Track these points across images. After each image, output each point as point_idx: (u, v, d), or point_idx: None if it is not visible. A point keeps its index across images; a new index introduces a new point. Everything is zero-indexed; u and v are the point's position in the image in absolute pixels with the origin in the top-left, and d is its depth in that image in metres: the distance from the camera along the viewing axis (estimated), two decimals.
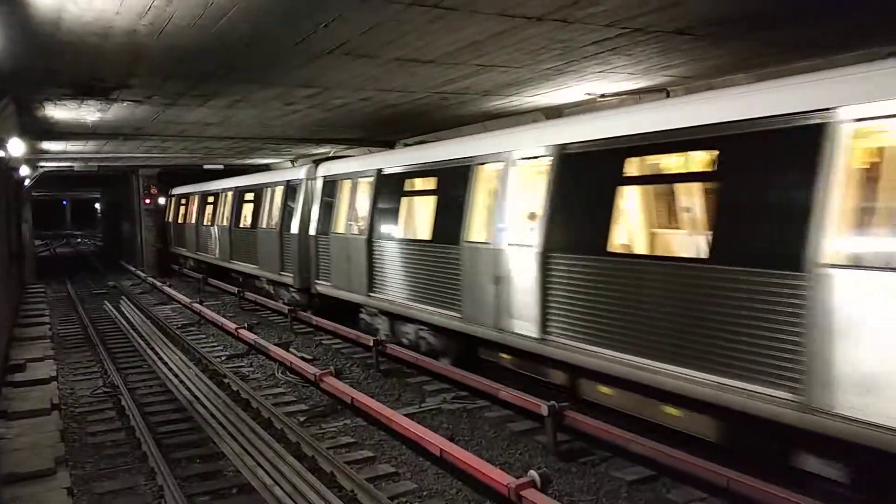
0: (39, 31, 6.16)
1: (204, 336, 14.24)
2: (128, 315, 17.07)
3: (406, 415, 7.83)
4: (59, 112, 11.10)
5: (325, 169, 13.79)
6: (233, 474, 6.91)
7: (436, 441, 6.75)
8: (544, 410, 7.09)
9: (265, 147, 18.04)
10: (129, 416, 8.69)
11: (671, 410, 6.46)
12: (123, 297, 20.46)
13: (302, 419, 8.49)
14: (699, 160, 6.43)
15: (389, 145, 16.02)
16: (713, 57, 7.76)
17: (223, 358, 12.05)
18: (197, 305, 16.81)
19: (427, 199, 10.32)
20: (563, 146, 7.42)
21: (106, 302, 19.38)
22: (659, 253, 7.17)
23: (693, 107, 6.21)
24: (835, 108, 4.86)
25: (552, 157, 7.52)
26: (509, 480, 5.63)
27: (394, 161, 11.25)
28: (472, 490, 6.26)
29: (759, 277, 5.24)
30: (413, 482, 6.56)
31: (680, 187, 7.36)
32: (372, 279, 11.30)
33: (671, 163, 6.85)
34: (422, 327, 10.30)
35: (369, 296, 11.42)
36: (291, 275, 14.77)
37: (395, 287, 10.65)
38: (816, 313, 4.83)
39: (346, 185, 12.72)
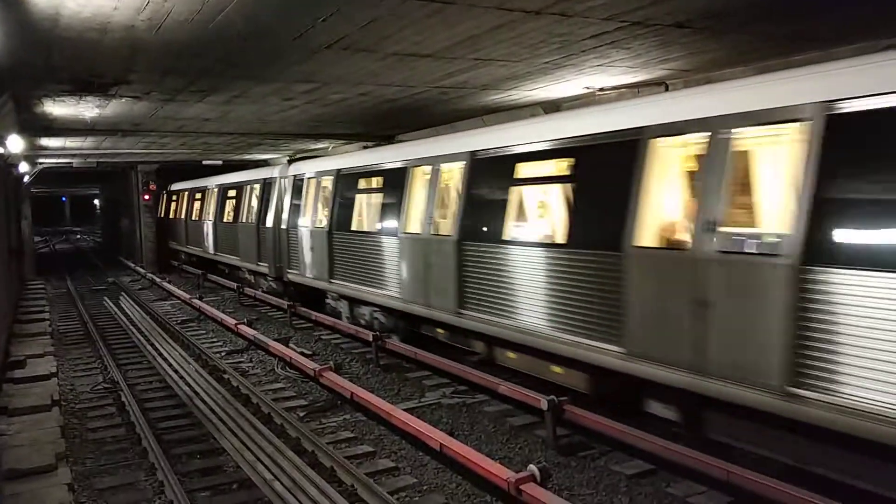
0: (38, 26, 6.14)
1: (203, 332, 14.26)
2: (127, 311, 17.09)
3: (406, 409, 7.85)
4: (57, 108, 11.08)
5: (295, 168, 15.21)
6: (233, 469, 6.93)
7: (435, 436, 6.77)
8: (544, 405, 7.11)
9: (264, 142, 18.02)
10: (130, 412, 8.71)
11: (556, 369, 7.82)
12: (123, 293, 20.47)
13: (302, 414, 8.51)
14: (562, 166, 7.73)
15: (389, 140, 16.00)
16: (712, 50, 7.75)
17: (223, 353, 12.06)
18: (196, 301, 16.83)
19: (375, 196, 11.65)
20: (473, 153, 8.95)
21: (105, 298, 19.39)
22: (537, 240, 8.26)
23: (559, 123, 7.90)
24: (643, 126, 6.35)
25: (465, 162, 9.03)
26: (509, 475, 5.65)
27: (350, 162, 12.61)
28: (472, 484, 6.28)
29: (596, 257, 6.79)
30: (413, 477, 6.58)
31: (551, 187, 8.62)
32: (333, 267, 12.65)
33: (545, 168, 8.12)
34: (375, 309, 11.65)
35: (331, 282, 12.81)
36: (267, 265, 16.23)
37: (351, 274, 12.02)
38: (634, 283, 6.33)
39: (312, 183, 14.10)
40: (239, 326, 13.29)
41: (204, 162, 23.64)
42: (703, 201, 5.75)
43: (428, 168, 9.91)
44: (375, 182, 11.63)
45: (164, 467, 6.75)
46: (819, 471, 5.20)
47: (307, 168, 14.59)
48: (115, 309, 17.53)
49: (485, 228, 8.58)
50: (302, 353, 11.13)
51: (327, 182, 13.31)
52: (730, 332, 5.45)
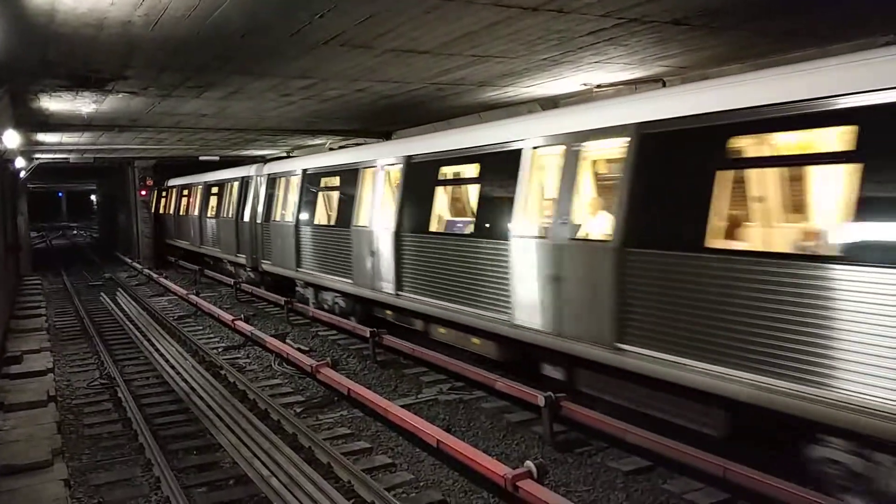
0: (34, 22, 6.12)
1: (200, 327, 14.25)
2: (124, 306, 17.07)
3: (403, 406, 7.86)
4: (54, 104, 11.05)
5: (268, 168, 16.69)
6: (229, 465, 6.94)
7: (432, 432, 6.78)
8: (541, 401, 7.11)
9: (261, 139, 18.00)
10: (126, 408, 8.71)
11: (475, 340, 9.02)
12: (120, 288, 20.44)
13: (299, 410, 8.51)
14: (472, 170, 9.10)
15: (386, 136, 15.98)
16: (709, 47, 7.76)
17: (220, 349, 12.06)
18: (193, 297, 16.81)
19: (333, 193, 13.18)
20: (409, 157, 10.24)
21: (102, 293, 19.36)
22: (454, 232, 9.67)
23: (471, 134, 9.24)
24: (524, 139, 7.86)
25: (402, 164, 10.30)
26: (506, 471, 5.66)
27: (314, 163, 14.06)
28: (469, 481, 6.30)
29: (492, 245, 8.21)
30: (410, 473, 6.59)
31: (466, 187, 10.13)
32: (299, 258, 14.11)
33: (462, 170, 9.63)
34: (336, 294, 12.99)
35: (297, 271, 14.27)
36: (244, 256, 17.81)
37: (314, 263, 13.48)
38: (517, 265, 7.80)
39: (282, 182, 15.61)
40: (236, 322, 13.28)
41: (201, 158, 23.60)
42: (560, 200, 7.31)
43: (374, 169, 11.32)
44: (333, 181, 13.06)
45: (160, 463, 6.75)
46: (648, 412, 6.48)
47: (278, 168, 16.09)
48: (112, 305, 17.51)
49: (416, 221, 9.95)
50: (299, 350, 11.14)
51: (295, 181, 14.68)
52: (576, 301, 6.94)
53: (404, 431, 7.39)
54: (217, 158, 23.70)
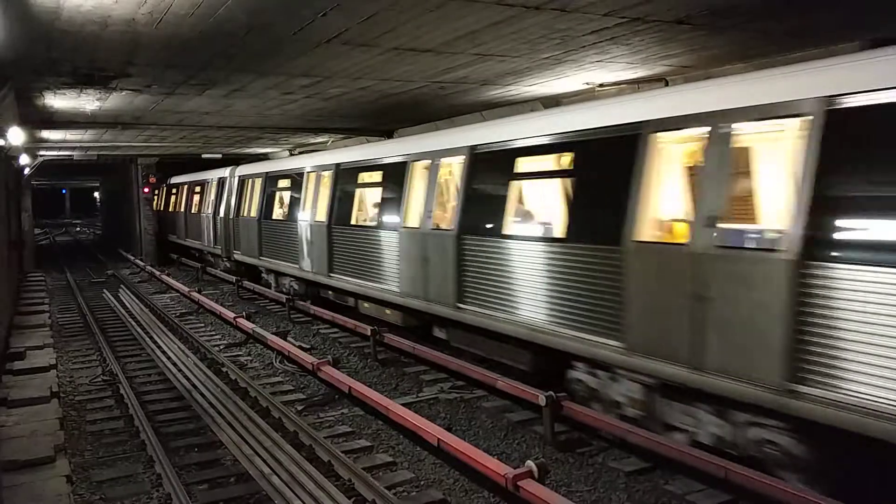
0: (39, 20, 6.14)
1: (202, 325, 14.27)
2: (126, 304, 17.10)
3: (403, 404, 7.86)
4: (58, 101, 11.07)
5: (240, 170, 19.36)
6: (231, 463, 6.95)
7: (433, 431, 6.78)
8: (542, 401, 7.11)
9: (263, 136, 18.01)
10: (128, 405, 8.73)
11: (388, 311, 11.21)
12: (122, 285, 20.48)
13: (300, 408, 8.53)
14: (388, 173, 11.06)
15: (388, 134, 15.98)
16: (712, 47, 7.74)
17: (221, 347, 12.08)
18: (195, 294, 16.83)
19: (286, 193, 15.83)
20: (338, 164, 12.88)
21: (105, 290, 19.40)
22: (365, 224, 12.03)
23: (388, 147, 11.80)
24: (470, 145, 9.15)
25: (332, 170, 12.94)
26: (507, 470, 5.66)
27: (273, 167, 16.98)
28: (470, 480, 6.30)
29: (384, 232, 10.67)
30: (410, 471, 6.59)
31: (378, 189, 11.64)
32: (261, 248, 16.85)
33: (374, 176, 11.68)
34: (291, 279, 15.44)
35: (260, 259, 17.05)
36: (220, 247, 20.56)
37: (273, 253, 16.10)
38: (402, 249, 10.18)
39: (249, 182, 18.18)
40: (238, 320, 13.30)
41: (203, 155, 23.62)
42: (426, 200, 9.68)
43: (315, 173, 14.01)
44: (287, 182, 15.63)
45: (162, 460, 6.76)
46: (486, 356, 8.81)
47: (247, 170, 18.84)
48: (115, 301, 17.55)
49: (343, 215, 12.49)
50: (300, 347, 11.15)
51: (259, 182, 17.42)
52: (436, 275, 9.33)
53: (405, 430, 7.39)
54: (220, 156, 23.73)
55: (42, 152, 21.42)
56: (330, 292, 13.53)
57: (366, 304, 12.01)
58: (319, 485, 6.07)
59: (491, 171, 8.76)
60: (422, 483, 6.36)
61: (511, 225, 8.27)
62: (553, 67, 8.79)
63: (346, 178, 12.44)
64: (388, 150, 11.37)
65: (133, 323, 14.55)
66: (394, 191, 10.75)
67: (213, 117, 13.50)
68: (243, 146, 21.19)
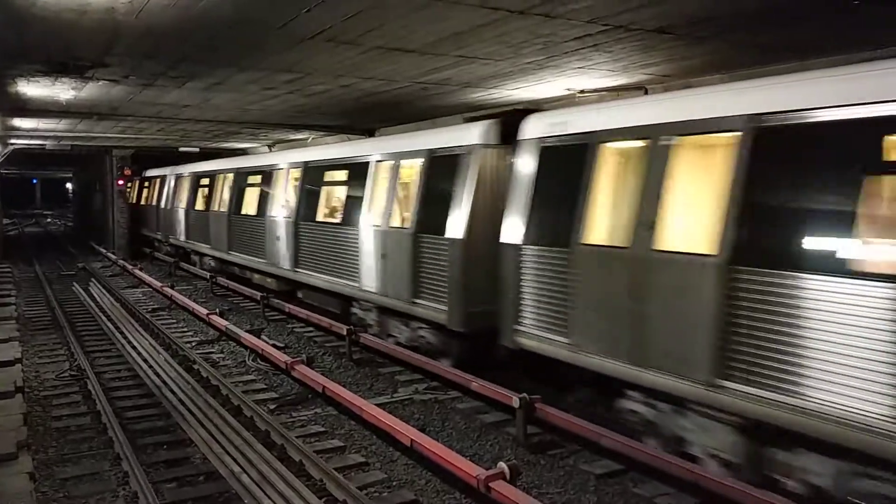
0: (13, 4, 6.00)
1: (174, 321, 14.07)
2: (97, 298, 16.80)
3: (377, 405, 7.82)
4: (31, 89, 10.84)
5: (177, 170, 23.18)
6: (200, 461, 6.86)
7: (406, 431, 6.76)
8: (515, 402, 7.14)
9: (243, 132, 17.84)
10: (96, 401, 8.56)
11: (269, 280, 15.14)
12: (93, 279, 20.11)
13: (272, 407, 8.45)
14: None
15: (370, 133, 15.93)
16: (692, 56, 7.85)
17: (193, 343, 11.92)
18: (168, 290, 16.59)
19: (204, 190, 19.89)
20: (237, 169, 16.97)
21: (75, 284, 19.03)
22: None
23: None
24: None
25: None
26: (479, 472, 5.67)
27: (199, 168, 20.94)
28: (442, 481, 6.29)
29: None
30: (383, 472, 6.56)
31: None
32: (188, 232, 21.16)
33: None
34: (210, 258, 19.48)
35: (187, 242, 21.34)
36: (161, 233, 24.69)
37: (196, 236, 20.21)
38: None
39: (183, 180, 22.07)
40: (211, 316, 13.14)
41: (181, 149, 23.32)
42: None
43: (223, 174, 18.23)
44: (206, 181, 19.84)
45: (129, 457, 6.64)
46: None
47: (181, 170, 22.66)
48: (85, 295, 17.22)
49: (241, 208, 16.36)
50: (274, 346, 11.05)
51: (187, 180, 21.49)
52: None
53: (378, 430, 7.36)
54: (197, 150, 23.46)
55: (13, 141, 20.94)
56: (234, 268, 17.70)
57: (256, 276, 16.12)
58: (290, 484, 6.01)
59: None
60: (394, 483, 6.34)
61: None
62: (535, 72, 8.85)
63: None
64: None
65: (103, 318, 14.29)
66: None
67: (192, 110, 13.33)
68: (222, 140, 20.96)
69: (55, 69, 9.13)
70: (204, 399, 8.47)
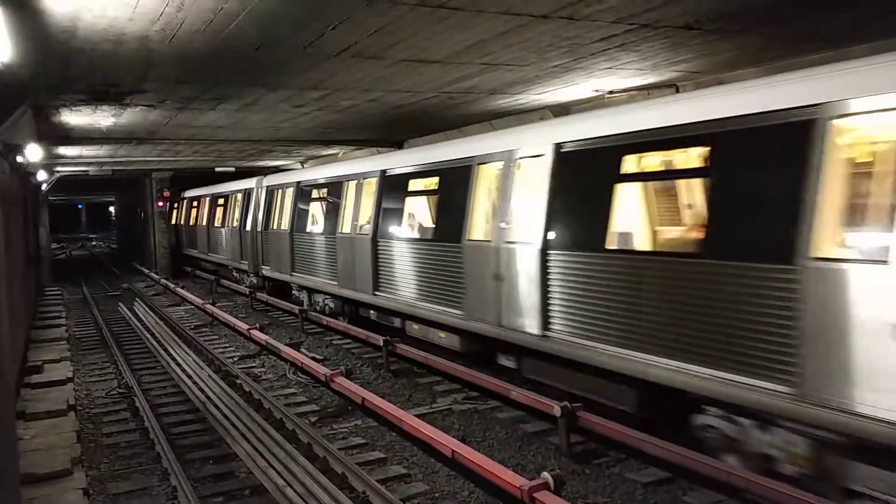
0: (55, 38, 6.23)
1: (216, 337, 14.34)
2: (141, 316, 17.23)
3: (417, 415, 7.83)
4: (74, 118, 11.22)
5: (187, 193, 27.74)
6: (245, 475, 6.95)
7: (447, 442, 6.74)
8: (557, 411, 7.05)
9: (275, 149, 18.13)
10: (143, 417, 8.77)
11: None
12: (137, 298, 20.63)
13: (313, 420, 8.52)
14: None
15: (398, 145, 16.05)
16: (722, 52, 7.71)
17: (235, 358, 12.13)
18: (209, 306, 16.93)
19: (220, 209, 22.93)
20: (207, 194, 22.91)
21: (120, 304, 19.56)
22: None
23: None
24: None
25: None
26: (522, 482, 5.61)
27: (207, 191, 24.53)
28: (485, 492, 6.25)
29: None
30: (425, 483, 6.56)
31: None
32: (208, 245, 24.34)
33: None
34: (216, 265, 23.24)
35: (208, 255, 24.32)
36: (184, 246, 28.26)
37: (207, 247, 23.99)
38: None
39: (197, 201, 26.28)
40: (251, 331, 13.35)
41: (217, 169, 23.83)
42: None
43: (231, 195, 21.42)
44: (220, 201, 22.80)
45: (177, 472, 6.78)
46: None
47: (189, 194, 27.26)
48: (130, 314, 17.68)
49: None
50: (313, 359, 11.17)
51: (206, 200, 24.70)
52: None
53: (419, 441, 7.36)
54: (233, 169, 23.93)
55: (59, 168, 21.70)
56: (235, 273, 21.33)
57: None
58: (334, 497, 6.05)
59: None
60: (436, 495, 6.32)
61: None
62: (562, 75, 8.80)
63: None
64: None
65: (148, 335, 14.64)
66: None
67: (225, 131, 13.62)
68: (256, 159, 21.36)
69: (95, 97, 9.45)
70: (247, 413, 8.60)
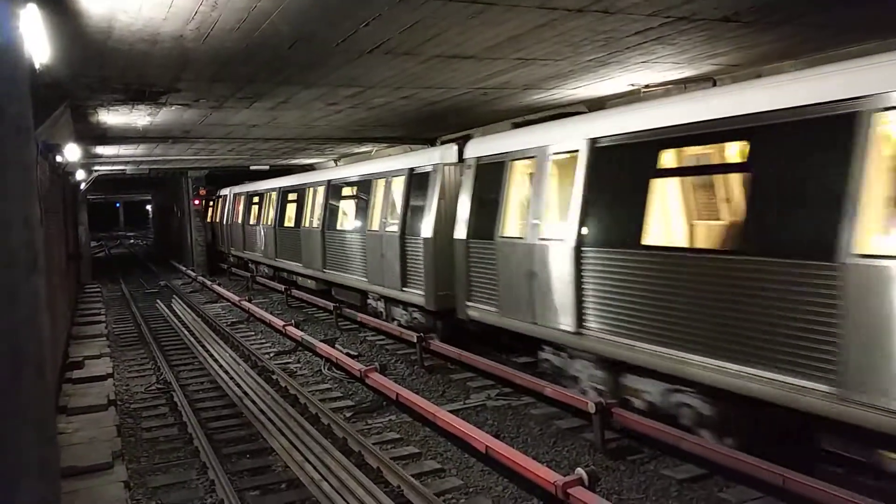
0: (92, 39, 6.36)
1: (252, 333, 14.54)
2: (179, 313, 17.55)
3: (451, 411, 7.83)
4: (111, 117, 11.46)
5: (225, 190, 27.84)
6: (282, 469, 7.04)
7: (481, 438, 6.74)
8: (591, 408, 7.00)
9: (309, 147, 18.29)
10: (182, 412, 8.93)
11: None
12: (175, 295, 21.04)
13: (348, 415, 8.59)
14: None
15: (430, 142, 16.05)
16: (761, 44, 7.53)
17: (271, 354, 12.27)
18: (245, 303, 17.17)
19: (255, 206, 23.24)
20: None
21: (158, 300, 19.96)
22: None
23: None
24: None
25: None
26: (556, 478, 5.58)
27: (246, 189, 24.51)
28: (519, 487, 6.24)
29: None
30: (459, 479, 6.56)
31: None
32: (244, 245, 24.59)
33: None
34: (257, 263, 23.18)
35: (244, 252, 24.57)
36: (218, 244, 29.13)
37: (251, 247, 23.54)
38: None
39: (224, 199, 27.73)
40: (287, 328, 13.50)
41: (251, 167, 24.14)
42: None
43: (270, 192, 21.64)
44: (258, 199, 22.99)
45: (214, 466, 6.90)
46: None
47: (226, 191, 27.50)
48: (168, 311, 18.03)
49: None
50: (348, 354, 11.24)
51: (241, 198, 24.96)
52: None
53: (453, 437, 7.37)
54: (267, 167, 24.22)
55: (97, 167, 22.22)
56: (266, 269, 22.21)
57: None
58: (369, 491, 6.09)
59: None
60: (470, 490, 6.32)
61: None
62: (597, 70, 8.69)
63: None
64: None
65: (186, 332, 14.91)
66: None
67: (260, 129, 13.78)
68: (290, 157, 21.57)
69: (132, 97, 9.63)
70: (283, 408, 8.70)
